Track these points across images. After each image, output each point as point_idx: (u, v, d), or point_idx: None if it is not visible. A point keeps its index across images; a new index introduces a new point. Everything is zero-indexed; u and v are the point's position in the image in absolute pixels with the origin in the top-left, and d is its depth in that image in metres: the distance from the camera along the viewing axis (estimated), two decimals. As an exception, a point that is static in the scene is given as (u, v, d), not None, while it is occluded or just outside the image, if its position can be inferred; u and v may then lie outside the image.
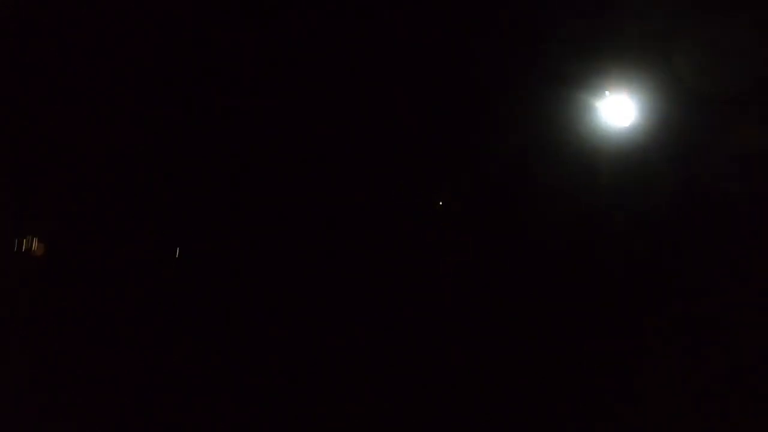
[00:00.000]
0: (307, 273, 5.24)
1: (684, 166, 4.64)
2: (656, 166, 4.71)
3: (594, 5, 4.68)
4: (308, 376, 4.98)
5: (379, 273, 5.18)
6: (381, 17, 5.05)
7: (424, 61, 5.05)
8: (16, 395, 4.64)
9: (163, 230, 5.37)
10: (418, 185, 5.26)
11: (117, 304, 5.17)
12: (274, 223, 5.31)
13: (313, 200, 5.28)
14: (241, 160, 5.34)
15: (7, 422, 4.48)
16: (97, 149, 5.31)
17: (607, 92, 4.80)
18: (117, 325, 5.10)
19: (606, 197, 4.85)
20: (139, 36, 5.25)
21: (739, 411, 4.34)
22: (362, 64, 5.15)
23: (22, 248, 5.25)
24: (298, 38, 5.16)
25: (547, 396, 4.73)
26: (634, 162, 4.77)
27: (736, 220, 4.57)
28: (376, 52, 5.11)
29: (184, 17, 5.23)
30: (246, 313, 5.19)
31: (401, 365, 4.97)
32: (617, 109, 4.81)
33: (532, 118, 4.91)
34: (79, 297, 5.15)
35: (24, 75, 5.24)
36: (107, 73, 5.29)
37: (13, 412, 4.52)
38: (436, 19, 4.99)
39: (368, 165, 5.24)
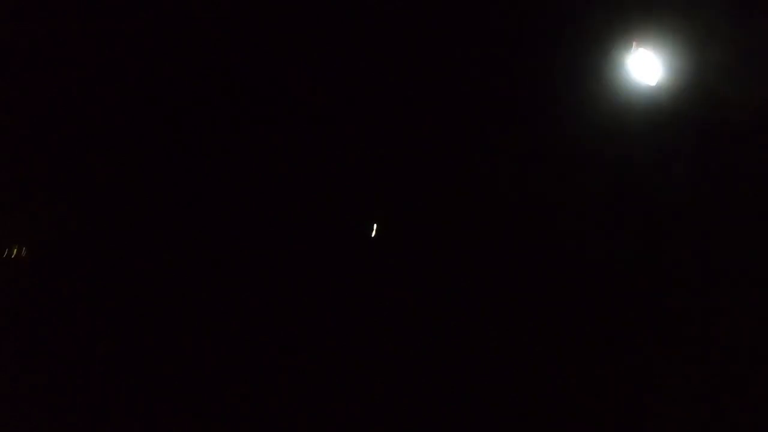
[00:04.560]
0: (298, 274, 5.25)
1: (709, 124, 4.55)
2: (682, 123, 4.62)
3: None
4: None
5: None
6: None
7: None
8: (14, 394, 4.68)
9: (159, 229, 5.39)
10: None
11: (116, 302, 5.19)
12: (268, 223, 5.32)
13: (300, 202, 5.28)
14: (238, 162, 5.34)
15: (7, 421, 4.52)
16: (97, 149, 5.34)
17: (634, 46, 4.67)
18: (115, 323, 5.14)
19: (632, 156, 4.75)
20: (139, 36, 5.27)
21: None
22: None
23: (17, 249, 5.27)
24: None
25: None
26: (661, 119, 4.66)
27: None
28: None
29: (184, 17, 5.25)
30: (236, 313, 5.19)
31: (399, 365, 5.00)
32: (645, 65, 4.65)
33: (561, 73, 4.84)
34: (76, 295, 5.18)
35: (25, 75, 5.27)
36: (108, 73, 5.32)
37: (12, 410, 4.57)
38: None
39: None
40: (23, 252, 5.31)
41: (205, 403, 4.90)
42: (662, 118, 4.63)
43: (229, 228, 5.27)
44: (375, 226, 5.23)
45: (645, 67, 4.63)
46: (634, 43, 4.63)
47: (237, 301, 5.13)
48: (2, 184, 5.25)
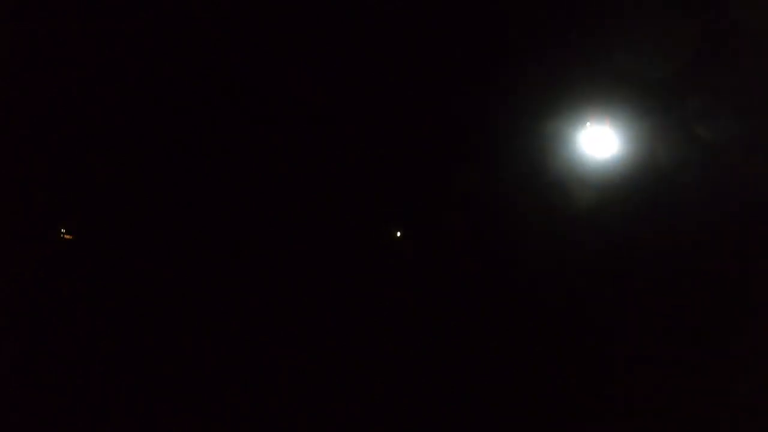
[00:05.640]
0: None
1: (666, 196, 4.56)
2: (639, 198, 4.62)
3: (572, 34, 4.56)
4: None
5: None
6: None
7: (399, 91, 4.98)
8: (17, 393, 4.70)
9: (159, 229, 5.39)
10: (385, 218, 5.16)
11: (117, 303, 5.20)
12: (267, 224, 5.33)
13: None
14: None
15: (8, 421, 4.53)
16: (97, 149, 5.35)
17: (587, 123, 4.66)
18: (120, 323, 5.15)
19: (586, 229, 4.73)
20: (139, 36, 5.28)
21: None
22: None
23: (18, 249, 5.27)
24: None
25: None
26: (616, 194, 4.66)
27: (722, 252, 4.51)
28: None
29: (184, 17, 5.25)
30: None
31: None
32: (598, 141, 4.65)
33: (509, 151, 4.80)
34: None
35: (25, 75, 5.28)
36: (108, 73, 5.33)
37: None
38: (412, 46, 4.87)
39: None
40: (23, 252, 5.30)
41: (205, 403, 4.92)
42: (617, 193, 4.61)
43: (230, 229, 5.27)
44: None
45: (598, 142, 4.59)
46: (587, 122, 4.61)
47: (237, 301, 5.15)
48: (2, 185, 5.25)
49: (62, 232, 5.29)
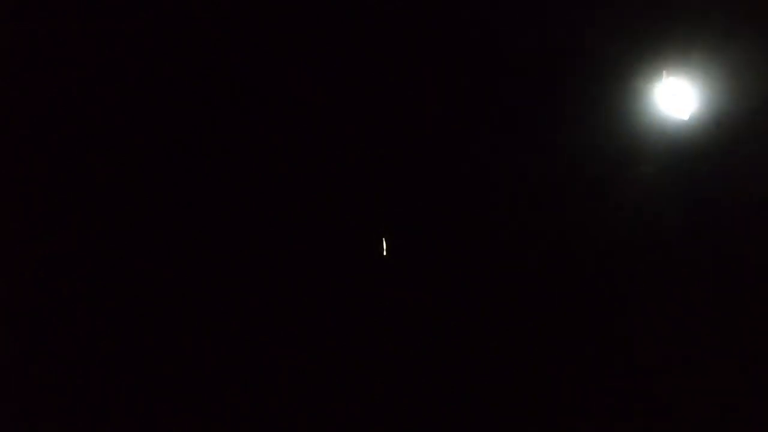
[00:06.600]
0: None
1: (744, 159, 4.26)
2: (716, 160, 4.27)
3: None
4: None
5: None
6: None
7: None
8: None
9: (160, 230, 5.39)
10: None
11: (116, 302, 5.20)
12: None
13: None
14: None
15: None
16: (97, 149, 5.35)
17: (664, 76, 4.31)
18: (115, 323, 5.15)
19: (661, 192, 4.39)
20: (139, 36, 5.29)
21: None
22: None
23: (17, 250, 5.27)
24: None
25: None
26: (692, 155, 4.30)
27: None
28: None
29: (184, 17, 5.27)
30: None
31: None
32: (675, 97, 4.30)
33: (581, 107, 4.44)
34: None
35: (25, 75, 5.29)
36: (108, 73, 5.33)
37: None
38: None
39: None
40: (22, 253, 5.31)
41: (206, 404, 4.92)
42: (693, 156, 4.27)
43: (231, 231, 5.28)
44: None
45: (676, 99, 4.27)
46: (664, 73, 4.29)
47: (237, 303, 5.15)
48: (2, 185, 5.26)
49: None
